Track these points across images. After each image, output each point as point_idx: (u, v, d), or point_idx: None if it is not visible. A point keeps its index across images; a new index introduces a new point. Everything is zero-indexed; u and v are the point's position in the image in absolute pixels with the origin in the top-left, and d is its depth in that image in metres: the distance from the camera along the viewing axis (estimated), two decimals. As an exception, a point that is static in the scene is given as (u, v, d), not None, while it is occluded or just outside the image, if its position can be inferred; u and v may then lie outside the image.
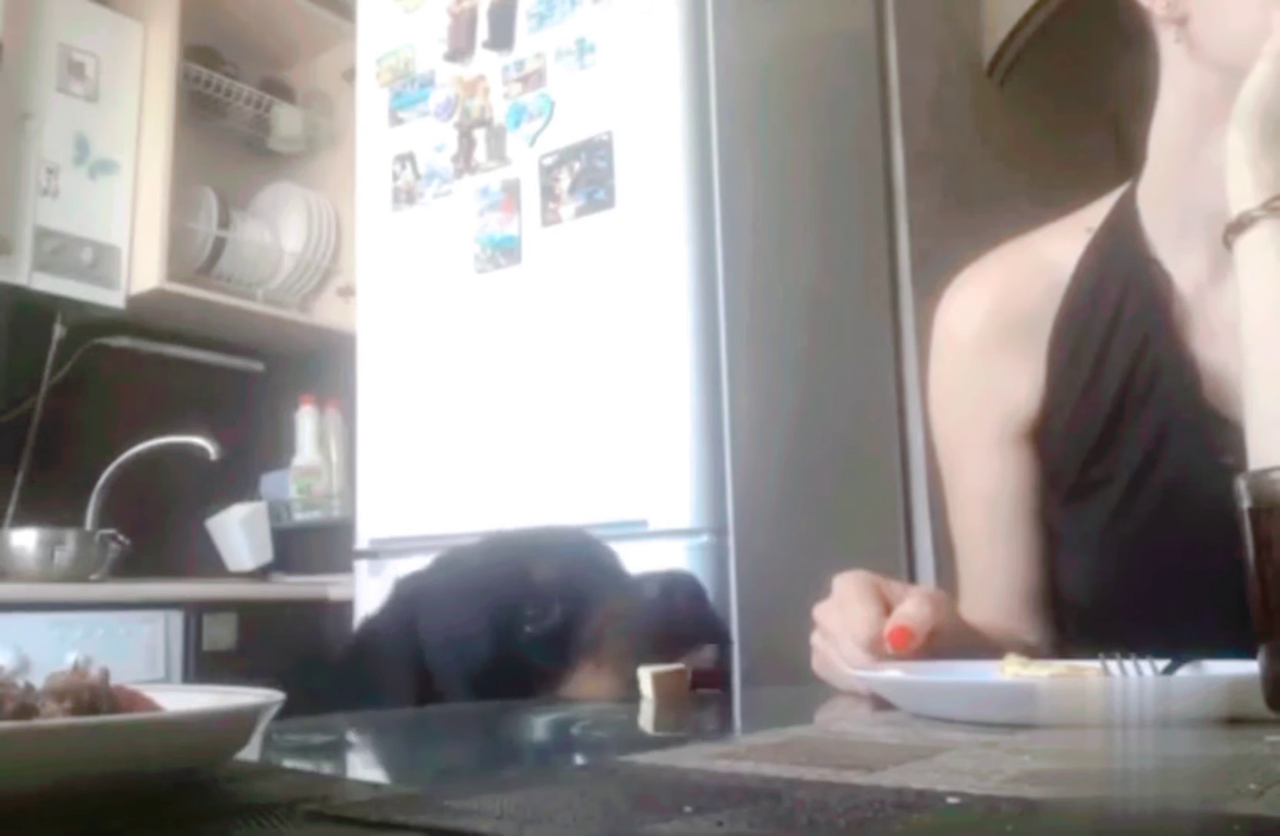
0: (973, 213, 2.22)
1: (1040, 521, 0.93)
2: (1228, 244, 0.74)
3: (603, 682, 0.81)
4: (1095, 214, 0.93)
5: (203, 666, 2.09)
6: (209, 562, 2.61)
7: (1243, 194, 0.73)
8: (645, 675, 0.75)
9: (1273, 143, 0.73)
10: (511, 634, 0.83)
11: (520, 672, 0.82)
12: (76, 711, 0.38)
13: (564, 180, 1.83)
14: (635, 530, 1.60)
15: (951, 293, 0.99)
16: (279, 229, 2.86)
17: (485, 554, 0.93)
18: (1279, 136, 0.73)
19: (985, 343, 0.94)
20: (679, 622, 0.83)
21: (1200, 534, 0.72)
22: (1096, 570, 0.89)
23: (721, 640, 0.87)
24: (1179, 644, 0.64)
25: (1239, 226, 0.73)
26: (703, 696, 0.82)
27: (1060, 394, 0.90)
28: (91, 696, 0.39)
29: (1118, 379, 0.86)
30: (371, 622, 0.92)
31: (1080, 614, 0.92)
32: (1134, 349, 0.86)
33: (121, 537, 2.27)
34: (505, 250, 1.89)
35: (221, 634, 2.14)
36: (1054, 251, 0.93)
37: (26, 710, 0.37)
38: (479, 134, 1.95)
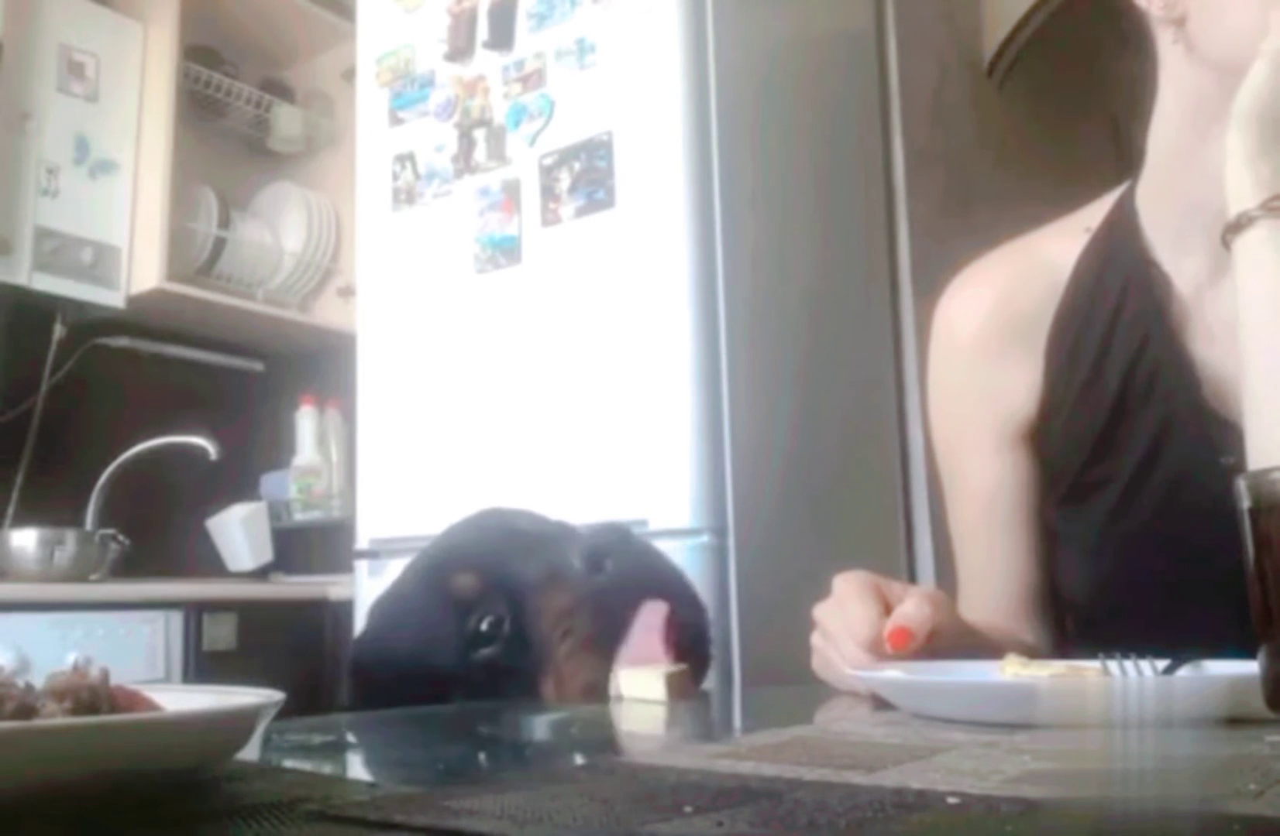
0: (973, 213, 2.22)
1: (1039, 521, 0.93)
2: (1226, 244, 0.74)
3: (574, 681, 0.78)
4: (1095, 213, 0.93)
5: (203, 666, 2.09)
6: (209, 562, 2.61)
7: (1241, 194, 0.73)
8: (624, 677, 0.74)
9: (1271, 142, 0.73)
10: (470, 659, 0.79)
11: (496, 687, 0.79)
12: (76, 711, 0.38)
13: (564, 180, 1.83)
14: (635, 530, 1.60)
15: (951, 293, 0.98)
16: (279, 229, 2.86)
17: (418, 590, 0.87)
18: (1277, 136, 0.73)
19: (985, 343, 0.94)
20: (617, 593, 0.79)
21: (1200, 534, 0.72)
22: (1096, 569, 0.89)
23: (668, 595, 0.81)
24: (1178, 643, 0.64)
25: (1237, 226, 0.73)
26: (702, 696, 0.81)
27: (1059, 394, 0.90)
28: (91, 696, 0.39)
29: (1117, 379, 0.86)
30: (339, 707, 0.88)
31: (1080, 613, 0.92)
32: (1133, 349, 0.86)
33: (121, 537, 2.27)
34: (505, 250, 1.89)
35: (221, 634, 2.14)
36: (1053, 251, 0.93)
37: (26, 710, 0.37)
38: (479, 134, 1.95)
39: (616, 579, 0.80)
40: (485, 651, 0.79)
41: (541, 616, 0.79)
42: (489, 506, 0.94)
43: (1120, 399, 0.86)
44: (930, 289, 1.05)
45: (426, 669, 0.81)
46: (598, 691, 0.76)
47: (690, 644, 0.80)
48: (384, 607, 0.90)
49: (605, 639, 0.78)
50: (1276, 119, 0.73)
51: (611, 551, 0.81)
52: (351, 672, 0.88)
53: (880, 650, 0.72)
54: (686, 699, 0.73)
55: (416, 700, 0.78)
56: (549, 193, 1.84)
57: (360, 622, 0.94)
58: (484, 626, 0.79)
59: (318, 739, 0.60)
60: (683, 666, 0.75)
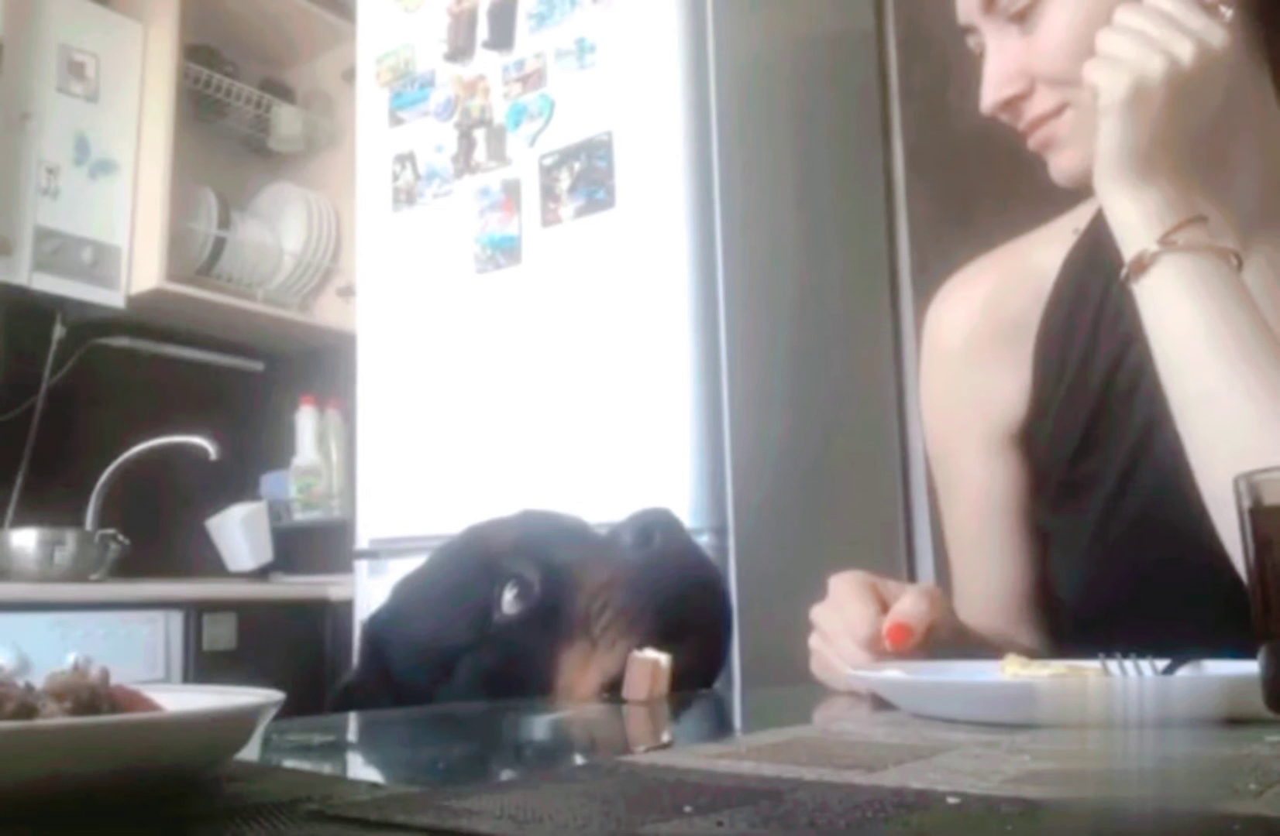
0: (973, 213, 2.21)
1: (1031, 524, 0.93)
2: (1128, 285, 0.75)
3: (602, 659, 0.77)
4: (1083, 214, 0.94)
5: (203, 666, 2.08)
6: (209, 562, 2.61)
7: (1131, 231, 0.74)
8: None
9: (1144, 174, 0.74)
10: (489, 627, 0.78)
11: (511, 669, 0.78)
12: (76, 711, 0.38)
13: (564, 180, 1.83)
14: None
15: (939, 299, 0.99)
16: (279, 229, 2.85)
17: (447, 559, 0.88)
18: (1148, 174, 0.74)
19: (974, 349, 0.94)
20: (662, 566, 0.80)
21: (1189, 532, 0.73)
22: (1087, 571, 0.88)
23: (712, 582, 0.84)
24: (1169, 644, 0.64)
25: (1140, 266, 0.74)
26: (695, 694, 0.81)
27: (1047, 395, 0.90)
28: (91, 696, 0.39)
29: (1101, 378, 0.87)
30: (346, 680, 0.87)
31: (1072, 615, 0.92)
32: (1116, 348, 0.86)
33: (121, 537, 2.27)
34: (505, 250, 1.89)
35: (221, 634, 2.14)
36: (1042, 256, 0.94)
37: (26, 710, 0.37)
38: (479, 134, 1.95)
39: (661, 552, 0.80)
40: (508, 615, 0.78)
41: (581, 589, 0.78)
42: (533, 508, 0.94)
43: (1104, 397, 0.86)
44: (930, 288, 1.05)
45: (443, 632, 0.80)
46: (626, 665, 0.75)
47: (711, 628, 0.81)
48: (410, 580, 0.90)
49: (645, 612, 0.77)
50: (1137, 154, 0.74)
51: (660, 527, 0.82)
52: (365, 640, 0.87)
53: (879, 648, 0.72)
54: (652, 692, 0.73)
55: (427, 666, 0.78)
56: (549, 193, 1.84)
57: (363, 622, 0.93)
58: (512, 589, 0.78)
59: (318, 739, 0.60)
60: (656, 656, 0.74)
